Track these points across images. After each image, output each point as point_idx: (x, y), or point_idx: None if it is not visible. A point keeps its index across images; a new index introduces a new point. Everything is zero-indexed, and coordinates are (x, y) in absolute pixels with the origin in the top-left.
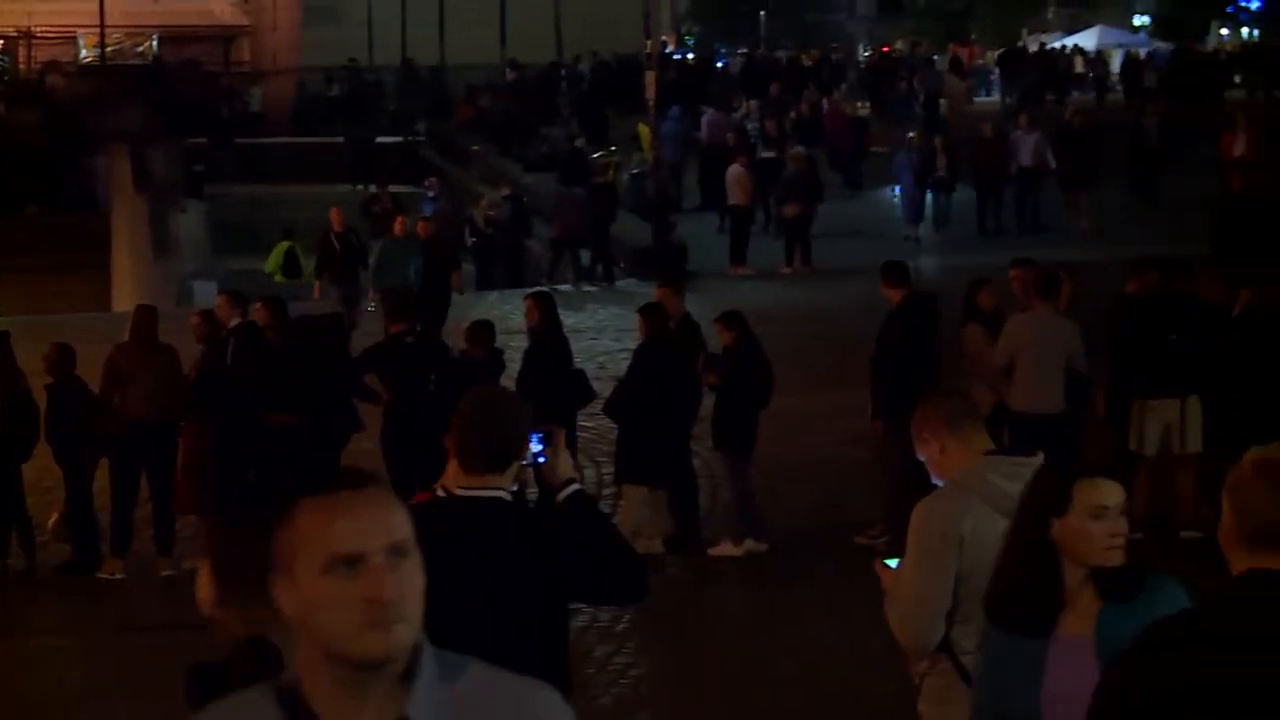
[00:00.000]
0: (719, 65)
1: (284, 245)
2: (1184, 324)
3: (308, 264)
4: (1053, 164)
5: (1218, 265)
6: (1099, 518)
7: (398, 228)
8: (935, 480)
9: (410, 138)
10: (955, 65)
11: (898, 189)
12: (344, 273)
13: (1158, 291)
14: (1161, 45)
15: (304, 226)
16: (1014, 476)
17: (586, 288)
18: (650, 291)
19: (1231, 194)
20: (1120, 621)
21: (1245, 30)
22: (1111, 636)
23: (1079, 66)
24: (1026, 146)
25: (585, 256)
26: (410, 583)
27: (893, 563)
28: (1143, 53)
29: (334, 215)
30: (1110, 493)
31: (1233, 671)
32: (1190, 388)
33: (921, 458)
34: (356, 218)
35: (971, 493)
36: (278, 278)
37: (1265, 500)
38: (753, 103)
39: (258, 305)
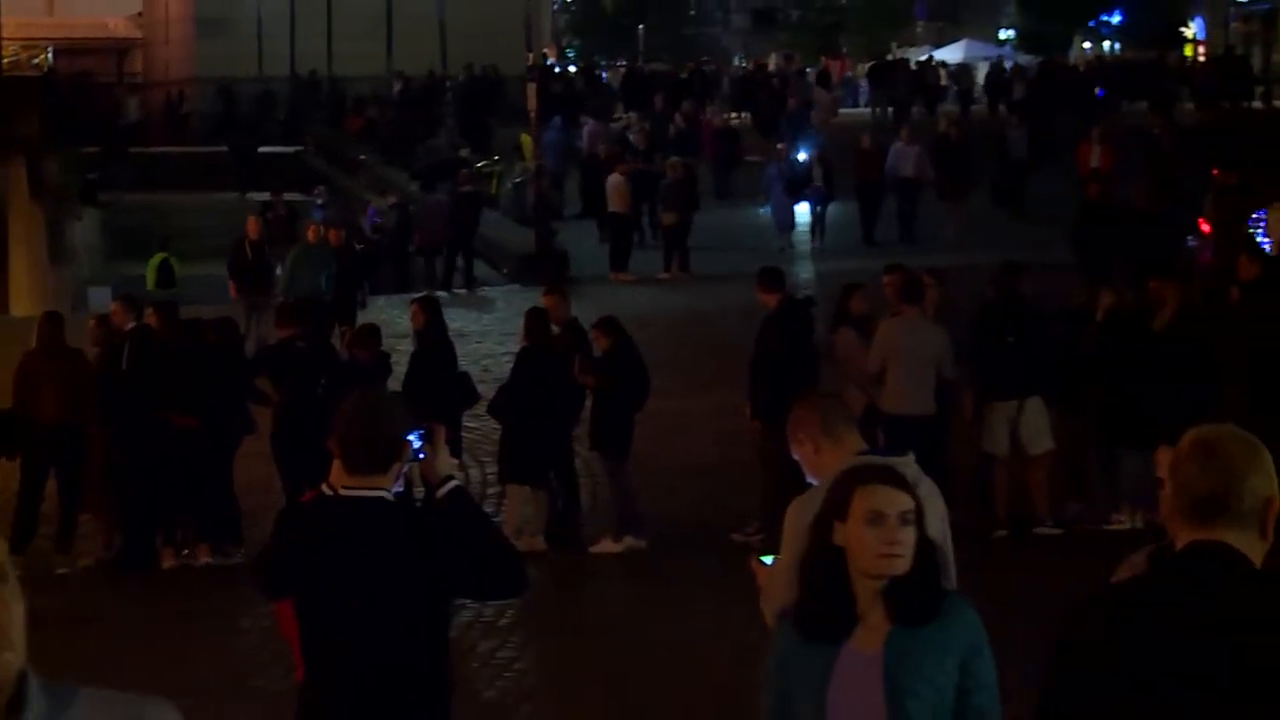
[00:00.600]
0: (601, 77)
1: (159, 257)
2: (1023, 328)
3: (183, 271)
4: (931, 175)
5: (1080, 270)
6: (876, 524)
7: (311, 235)
8: (810, 479)
9: (299, 147)
10: (823, 78)
11: (768, 207)
12: (254, 281)
13: (1000, 297)
14: (1026, 58)
15: (194, 232)
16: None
17: (452, 293)
18: (534, 297)
19: (1089, 202)
20: (909, 644)
21: (1106, 44)
22: (899, 657)
23: (944, 79)
24: (907, 158)
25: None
26: (12, 612)
27: (768, 559)
28: (1008, 65)
29: (251, 224)
30: (889, 499)
31: (1175, 633)
32: (1029, 389)
33: (797, 457)
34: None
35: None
36: (154, 290)
37: (1200, 478)
38: (633, 114)
39: (150, 310)
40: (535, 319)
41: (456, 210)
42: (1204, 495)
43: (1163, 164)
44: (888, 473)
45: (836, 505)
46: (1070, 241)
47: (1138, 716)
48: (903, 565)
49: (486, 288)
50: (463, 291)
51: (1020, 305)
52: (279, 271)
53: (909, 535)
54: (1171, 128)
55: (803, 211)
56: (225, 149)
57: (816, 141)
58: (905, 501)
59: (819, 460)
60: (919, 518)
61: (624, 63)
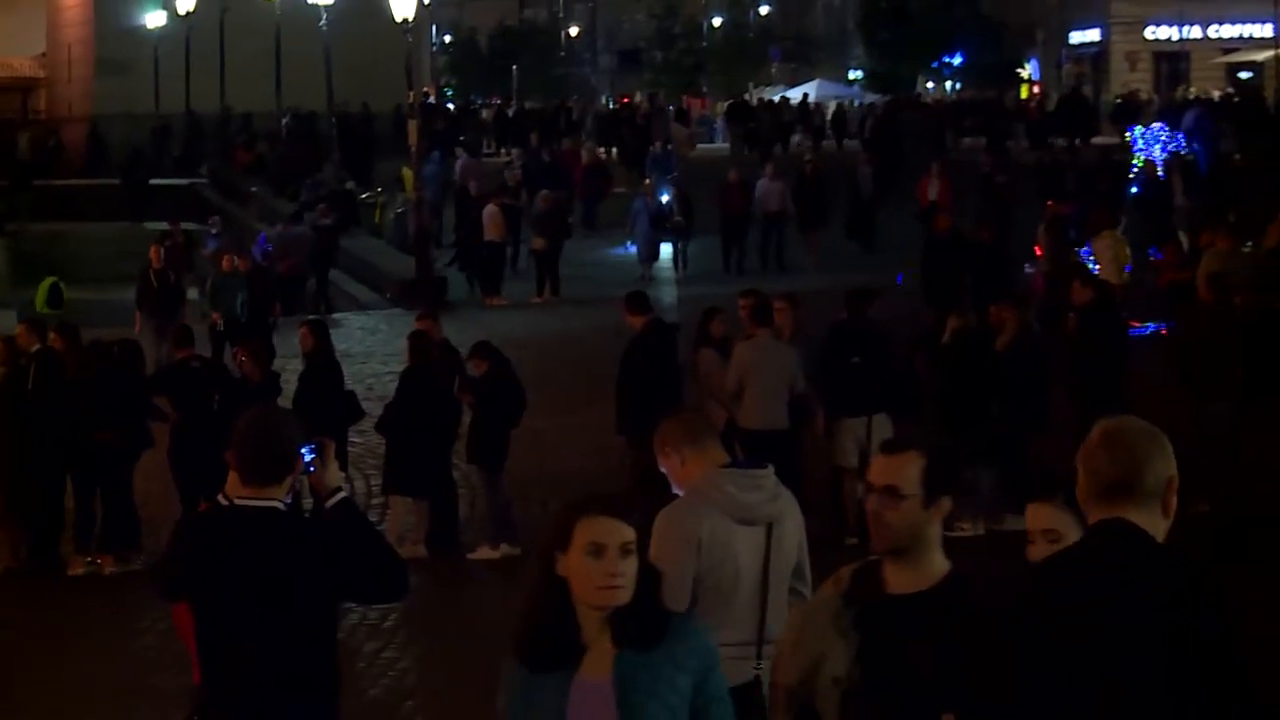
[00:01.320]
0: (480, 114)
1: (49, 280)
2: (870, 349)
3: (81, 295)
4: (792, 209)
5: (927, 297)
6: (596, 556)
7: (225, 264)
8: (675, 489)
9: (194, 180)
10: (681, 115)
11: (632, 245)
12: (159, 306)
13: (849, 320)
14: (874, 97)
15: (92, 259)
16: (747, 487)
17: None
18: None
19: (936, 234)
20: (638, 668)
21: (949, 84)
22: (628, 682)
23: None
24: (773, 193)
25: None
26: None
27: None
28: (857, 104)
29: (154, 253)
30: (609, 531)
31: (1091, 603)
32: (876, 407)
33: (664, 469)
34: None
35: (710, 501)
36: (43, 310)
37: (1107, 463)
38: (514, 151)
39: (53, 334)
40: (418, 341)
41: (317, 241)
42: (1112, 479)
43: (993, 197)
44: (609, 504)
45: (558, 536)
46: (920, 270)
47: (1056, 677)
48: (624, 596)
49: (370, 311)
50: (340, 315)
51: (868, 328)
52: (197, 297)
53: (630, 566)
54: (1004, 163)
55: (666, 245)
56: (120, 181)
57: (676, 180)
58: (626, 533)
59: (685, 471)
60: (641, 547)
61: (498, 100)
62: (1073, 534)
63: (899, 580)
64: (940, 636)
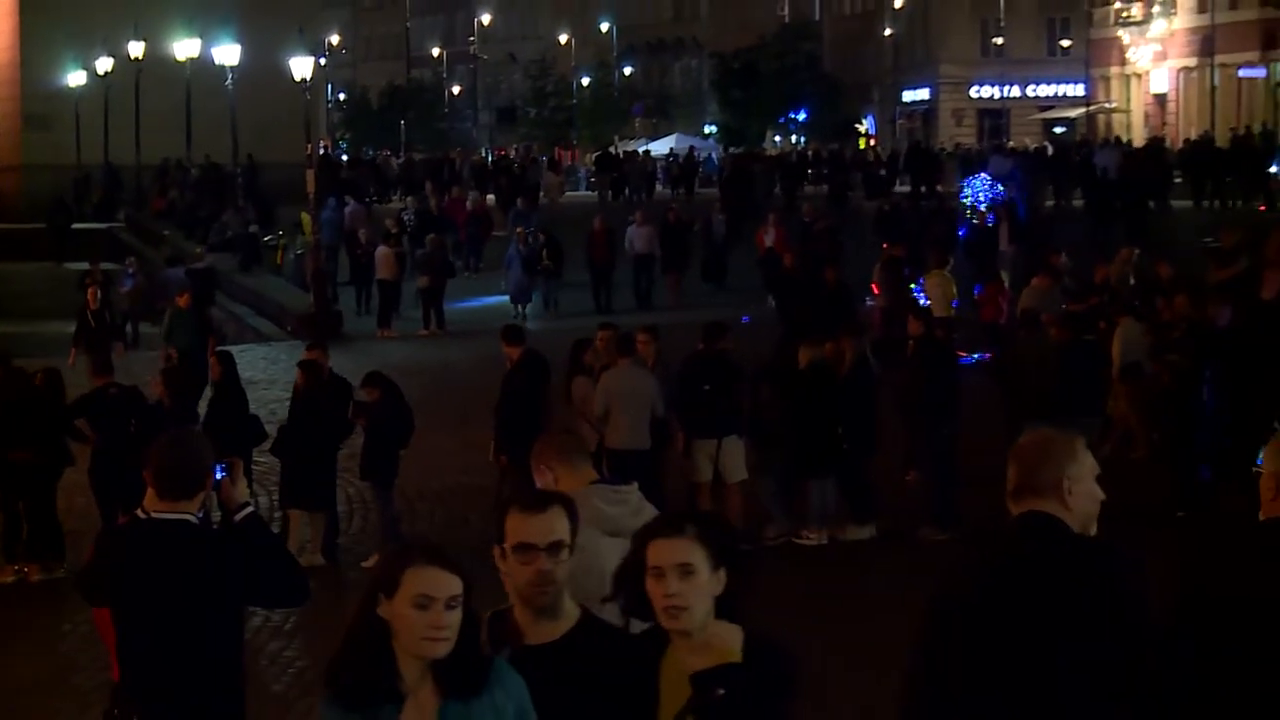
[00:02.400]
0: (375, 164)
1: None
2: (722, 377)
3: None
4: (659, 251)
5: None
6: (423, 607)
7: (181, 302)
8: None
9: (112, 224)
10: (552, 164)
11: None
12: (95, 342)
13: (704, 351)
14: (726, 149)
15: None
16: (613, 502)
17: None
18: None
19: (785, 273)
20: (462, 716)
21: (794, 138)
22: None
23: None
24: (642, 236)
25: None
26: None
27: None
28: (713, 156)
29: (90, 294)
30: (438, 583)
31: (1011, 586)
32: (727, 429)
33: (539, 483)
34: (74, 291)
35: (581, 515)
36: None
37: (1020, 467)
38: (410, 198)
39: None
40: (310, 369)
41: (191, 284)
42: (1026, 479)
43: (816, 241)
44: (439, 555)
45: (386, 581)
46: (778, 307)
47: (977, 645)
48: (447, 648)
49: (272, 343)
50: (242, 347)
51: (720, 359)
52: (155, 330)
53: (455, 618)
54: (833, 209)
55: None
56: (45, 226)
57: (533, 233)
58: (454, 585)
59: (558, 486)
60: (466, 598)
61: (388, 152)
62: (705, 566)
63: (537, 633)
64: (571, 685)
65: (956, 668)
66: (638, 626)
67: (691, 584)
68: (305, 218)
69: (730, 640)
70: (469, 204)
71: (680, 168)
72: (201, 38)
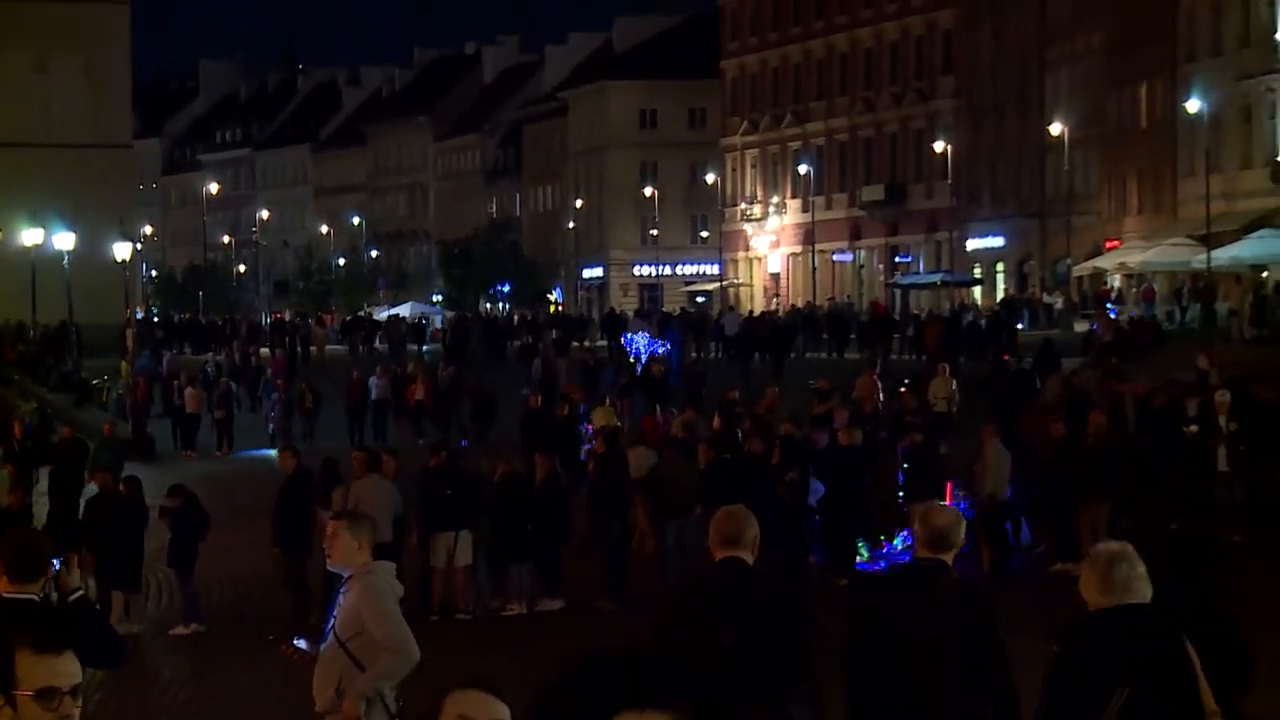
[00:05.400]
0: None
1: None
2: (459, 485)
3: None
4: (392, 398)
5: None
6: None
7: (106, 430)
8: (344, 567)
9: None
10: (320, 323)
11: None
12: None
13: (441, 466)
14: (449, 314)
15: None
16: (388, 573)
17: None
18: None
19: (529, 410)
20: None
21: (501, 304)
22: None
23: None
24: (382, 385)
25: None
26: None
27: (301, 643)
28: (437, 320)
29: (16, 427)
30: (481, 706)
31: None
32: (461, 525)
33: (340, 551)
34: None
35: (381, 574)
36: None
37: (721, 529)
38: (221, 356)
39: None
40: (102, 483)
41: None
42: (720, 537)
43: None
44: (484, 681)
45: (429, 713)
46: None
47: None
48: None
49: None
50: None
51: (456, 472)
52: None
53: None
54: (550, 358)
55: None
56: None
57: (307, 376)
58: (499, 710)
59: (360, 553)
60: None
61: (188, 315)
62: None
63: None
64: None
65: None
66: None
67: None
68: (124, 365)
69: None
70: (253, 359)
71: (412, 329)
72: (43, 228)
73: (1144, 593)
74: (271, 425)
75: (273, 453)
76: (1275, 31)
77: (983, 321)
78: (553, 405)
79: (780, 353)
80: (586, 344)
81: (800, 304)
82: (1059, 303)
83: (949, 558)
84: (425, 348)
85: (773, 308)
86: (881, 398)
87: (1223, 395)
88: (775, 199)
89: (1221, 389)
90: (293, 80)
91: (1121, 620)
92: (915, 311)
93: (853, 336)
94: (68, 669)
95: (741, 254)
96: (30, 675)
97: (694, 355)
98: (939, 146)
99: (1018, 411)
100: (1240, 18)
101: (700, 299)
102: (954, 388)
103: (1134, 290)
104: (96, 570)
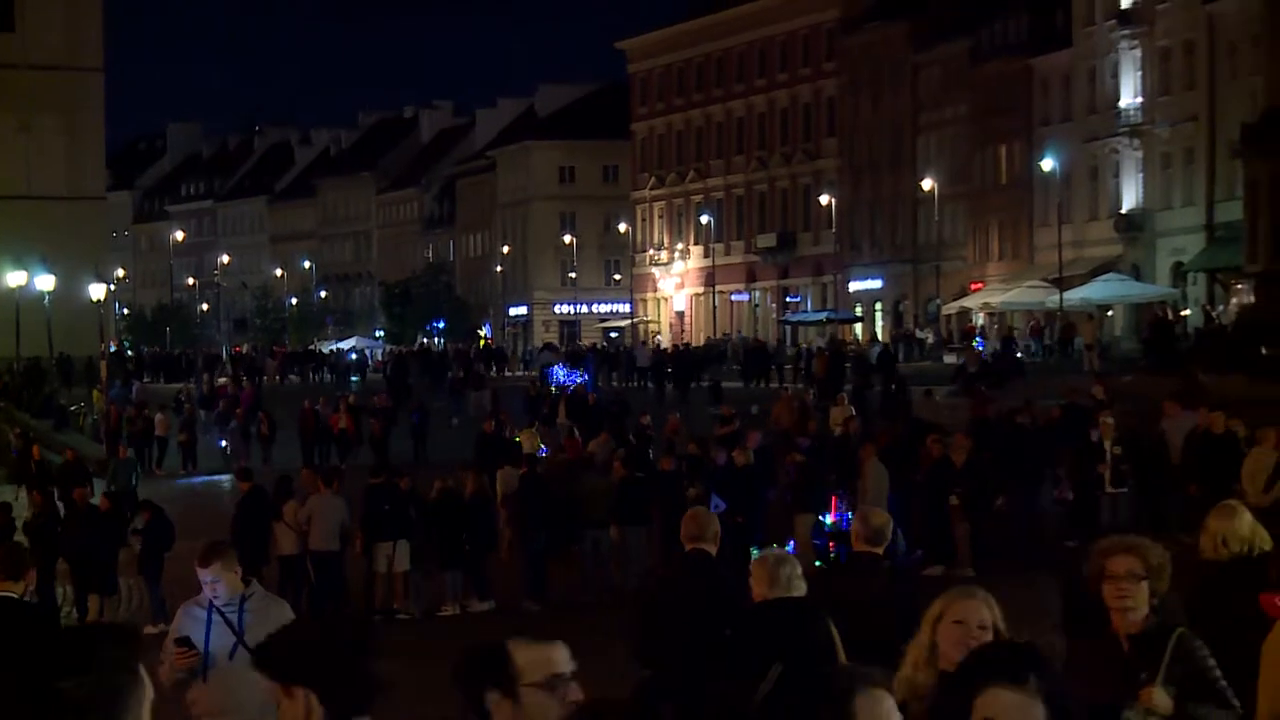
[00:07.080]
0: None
1: None
2: (394, 500)
3: None
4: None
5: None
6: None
7: (120, 453)
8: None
9: None
10: (272, 355)
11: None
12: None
13: (383, 484)
14: (389, 348)
15: None
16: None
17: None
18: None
19: (482, 434)
20: None
21: (438, 339)
22: None
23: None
24: (340, 415)
25: None
26: None
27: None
28: (380, 353)
29: (35, 450)
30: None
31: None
32: (399, 535)
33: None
34: None
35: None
36: None
37: (690, 526)
38: (191, 385)
39: None
40: (69, 501)
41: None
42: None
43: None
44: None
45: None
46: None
47: None
48: None
49: None
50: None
51: (393, 488)
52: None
53: None
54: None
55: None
56: None
57: (232, 424)
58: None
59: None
60: None
61: (158, 349)
62: None
63: None
64: None
65: None
66: None
67: None
68: (96, 394)
69: None
70: (221, 390)
71: (354, 363)
72: (26, 271)
73: (800, 589)
74: (229, 448)
75: (229, 477)
76: (1119, 100)
77: (873, 356)
78: (503, 429)
79: (686, 381)
80: (506, 373)
81: (703, 340)
82: (930, 338)
83: (881, 550)
84: (355, 379)
85: (681, 342)
86: (793, 420)
87: (1107, 419)
88: (680, 246)
89: (1106, 413)
90: (250, 140)
91: (780, 610)
92: (804, 345)
93: (736, 367)
94: None
95: (650, 294)
96: None
97: (612, 384)
98: (824, 200)
99: (905, 434)
100: (1087, 88)
101: (614, 334)
102: (852, 413)
103: (994, 326)
104: (73, 576)
